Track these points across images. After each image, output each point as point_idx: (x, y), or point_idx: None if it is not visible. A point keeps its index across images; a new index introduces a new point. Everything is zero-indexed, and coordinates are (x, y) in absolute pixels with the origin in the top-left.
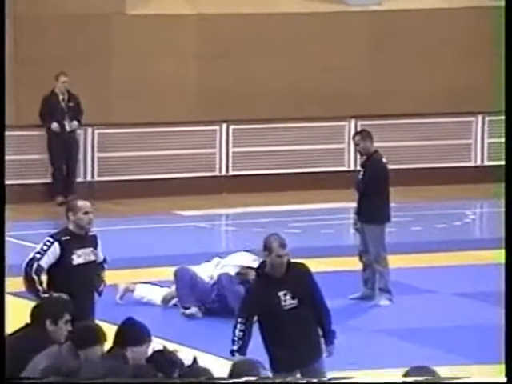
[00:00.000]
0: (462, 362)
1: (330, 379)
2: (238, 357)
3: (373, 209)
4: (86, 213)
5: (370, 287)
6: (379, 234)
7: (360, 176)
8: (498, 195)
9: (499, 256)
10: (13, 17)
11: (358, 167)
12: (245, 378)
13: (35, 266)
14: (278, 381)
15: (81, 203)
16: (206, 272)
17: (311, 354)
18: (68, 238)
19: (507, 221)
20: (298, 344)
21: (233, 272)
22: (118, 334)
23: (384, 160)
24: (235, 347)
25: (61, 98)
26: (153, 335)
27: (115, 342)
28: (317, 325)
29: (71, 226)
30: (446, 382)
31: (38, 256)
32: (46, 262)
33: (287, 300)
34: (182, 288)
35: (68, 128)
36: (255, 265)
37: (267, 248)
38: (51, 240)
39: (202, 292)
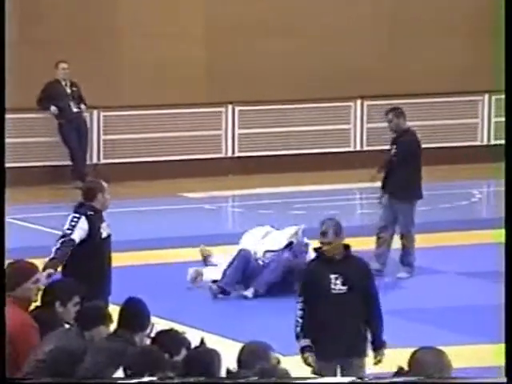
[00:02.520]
0: (464, 342)
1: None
2: (302, 340)
3: (406, 185)
4: (109, 193)
5: (382, 263)
6: (411, 210)
7: (392, 153)
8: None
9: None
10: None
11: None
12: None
13: (68, 240)
14: (278, 381)
15: (105, 184)
16: (251, 245)
17: (352, 347)
18: (92, 213)
19: (507, 199)
20: (338, 333)
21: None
22: (120, 315)
23: (418, 137)
24: (298, 329)
25: (63, 83)
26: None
27: (119, 323)
28: (364, 320)
29: (98, 205)
30: (446, 381)
31: (69, 232)
32: (78, 236)
33: (337, 284)
34: (237, 269)
35: (75, 109)
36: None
37: (322, 233)
38: (77, 216)
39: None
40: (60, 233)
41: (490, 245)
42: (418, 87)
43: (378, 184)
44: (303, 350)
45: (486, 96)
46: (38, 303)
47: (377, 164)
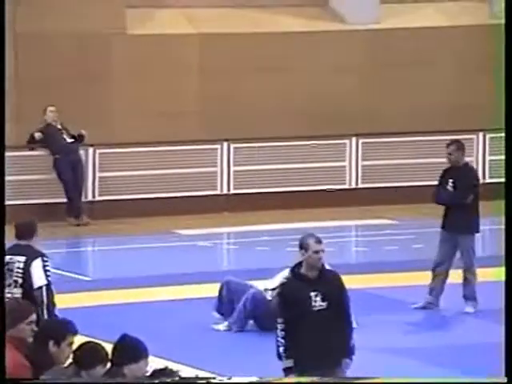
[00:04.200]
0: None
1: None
2: (285, 361)
3: (468, 219)
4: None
5: (436, 296)
6: (473, 243)
7: (450, 187)
8: (498, 212)
9: (498, 273)
10: (13, 36)
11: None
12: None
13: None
14: (272, 380)
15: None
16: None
17: (337, 360)
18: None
19: (508, 237)
20: (323, 348)
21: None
22: (113, 352)
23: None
24: (281, 349)
25: (54, 124)
26: None
27: (112, 361)
28: (343, 331)
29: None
30: (446, 381)
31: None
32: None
33: (317, 301)
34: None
35: (69, 140)
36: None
37: (304, 246)
38: (47, 259)
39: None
40: (53, 270)
41: (484, 283)
42: (412, 126)
43: (372, 221)
44: (287, 370)
45: (481, 134)
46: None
47: (372, 201)
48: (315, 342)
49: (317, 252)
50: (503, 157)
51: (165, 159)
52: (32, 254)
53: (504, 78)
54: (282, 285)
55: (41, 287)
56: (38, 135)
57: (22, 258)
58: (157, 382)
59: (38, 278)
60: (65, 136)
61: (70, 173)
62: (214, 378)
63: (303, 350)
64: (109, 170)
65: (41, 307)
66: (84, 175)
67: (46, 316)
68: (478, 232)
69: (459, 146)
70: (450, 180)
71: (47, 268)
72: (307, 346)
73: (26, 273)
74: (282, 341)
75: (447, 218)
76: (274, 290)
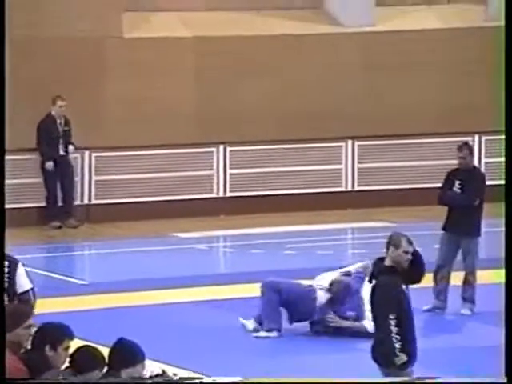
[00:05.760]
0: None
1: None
2: (401, 355)
3: (473, 222)
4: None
5: (443, 299)
6: (477, 246)
7: (457, 189)
8: (494, 215)
9: (495, 276)
10: (8, 40)
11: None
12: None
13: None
14: (276, 381)
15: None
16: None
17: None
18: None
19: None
20: (415, 341)
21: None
22: (110, 356)
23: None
24: (397, 345)
25: (58, 121)
26: None
27: (109, 365)
28: None
29: None
30: (446, 381)
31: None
32: None
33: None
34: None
35: (62, 152)
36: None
37: (395, 243)
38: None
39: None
40: (49, 274)
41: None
42: (408, 128)
43: (368, 224)
44: (402, 365)
45: (477, 136)
46: (29, 346)
47: (368, 203)
48: (414, 335)
49: (406, 252)
50: (499, 159)
51: (160, 162)
52: (12, 260)
53: (504, 81)
54: (386, 281)
55: (30, 290)
56: (48, 165)
57: (6, 263)
58: (151, 382)
59: (25, 283)
60: (60, 145)
61: (55, 180)
62: (202, 378)
63: (412, 344)
64: (105, 173)
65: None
66: (73, 180)
67: None
68: (479, 235)
69: (471, 149)
70: (458, 182)
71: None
72: (413, 340)
73: (12, 278)
74: (398, 336)
75: (451, 220)
76: (325, 288)
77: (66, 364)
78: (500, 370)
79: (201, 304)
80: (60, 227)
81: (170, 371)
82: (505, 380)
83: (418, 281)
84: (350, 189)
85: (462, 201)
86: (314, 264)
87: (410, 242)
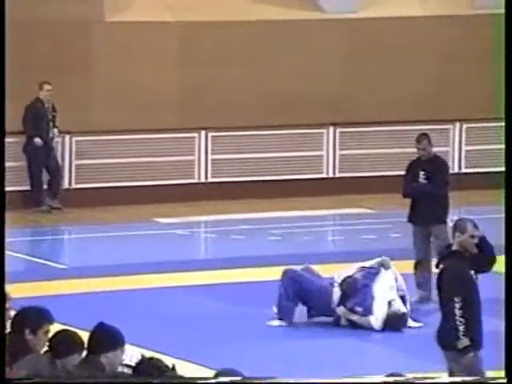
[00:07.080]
0: None
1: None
2: (464, 339)
3: (442, 209)
4: None
5: (428, 289)
6: (446, 231)
7: (422, 179)
8: (477, 202)
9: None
10: None
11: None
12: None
13: None
14: (271, 381)
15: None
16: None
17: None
18: None
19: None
20: (480, 326)
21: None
22: (90, 341)
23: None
24: (461, 328)
25: (46, 105)
26: None
27: (88, 349)
28: None
29: None
30: (446, 381)
31: None
32: None
33: (477, 278)
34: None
35: (51, 135)
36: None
37: (461, 228)
38: None
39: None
40: (29, 258)
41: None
42: (389, 115)
43: (350, 210)
44: (464, 349)
45: (458, 124)
46: (8, 330)
47: (350, 190)
48: (481, 320)
49: (473, 237)
50: (480, 147)
51: (142, 147)
52: None
53: (504, 70)
54: (452, 265)
55: None
56: (37, 141)
57: None
58: (158, 381)
59: None
60: (48, 129)
61: (40, 164)
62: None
63: (477, 328)
64: (85, 157)
65: None
66: (58, 162)
67: None
68: (447, 221)
69: (430, 138)
70: (422, 173)
71: None
72: (478, 324)
73: None
74: (462, 319)
75: (419, 211)
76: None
77: (46, 348)
78: (498, 359)
79: (181, 289)
80: (49, 211)
81: (159, 358)
82: (505, 380)
83: (488, 267)
84: (331, 175)
85: (431, 191)
86: (296, 250)
87: (475, 227)
